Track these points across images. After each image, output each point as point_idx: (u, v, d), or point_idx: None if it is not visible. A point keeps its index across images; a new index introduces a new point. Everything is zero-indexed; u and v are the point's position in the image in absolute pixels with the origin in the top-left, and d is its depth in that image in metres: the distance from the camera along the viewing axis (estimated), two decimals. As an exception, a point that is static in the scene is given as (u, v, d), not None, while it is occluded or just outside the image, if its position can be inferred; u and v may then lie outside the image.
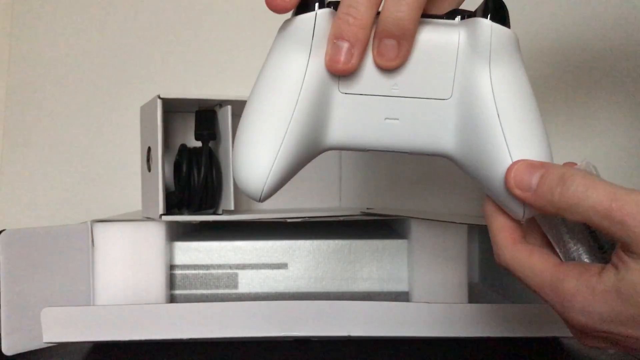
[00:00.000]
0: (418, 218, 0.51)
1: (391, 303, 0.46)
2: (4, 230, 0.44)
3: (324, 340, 0.47)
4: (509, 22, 0.30)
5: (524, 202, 0.29)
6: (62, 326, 0.45)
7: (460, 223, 0.49)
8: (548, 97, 0.81)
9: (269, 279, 0.54)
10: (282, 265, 0.54)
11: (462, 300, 0.52)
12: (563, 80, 0.81)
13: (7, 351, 0.44)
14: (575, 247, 0.30)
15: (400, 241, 0.54)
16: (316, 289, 0.54)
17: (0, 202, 0.81)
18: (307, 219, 0.53)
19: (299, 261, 0.54)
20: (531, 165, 0.29)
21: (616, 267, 0.27)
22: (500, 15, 0.30)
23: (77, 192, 0.82)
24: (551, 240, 0.31)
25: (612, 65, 0.80)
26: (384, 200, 0.60)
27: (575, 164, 0.31)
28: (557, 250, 0.31)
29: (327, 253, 0.54)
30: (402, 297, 0.54)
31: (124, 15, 0.84)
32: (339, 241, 0.54)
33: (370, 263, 0.54)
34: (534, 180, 0.29)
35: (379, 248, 0.54)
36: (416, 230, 0.53)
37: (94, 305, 0.50)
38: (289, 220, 0.52)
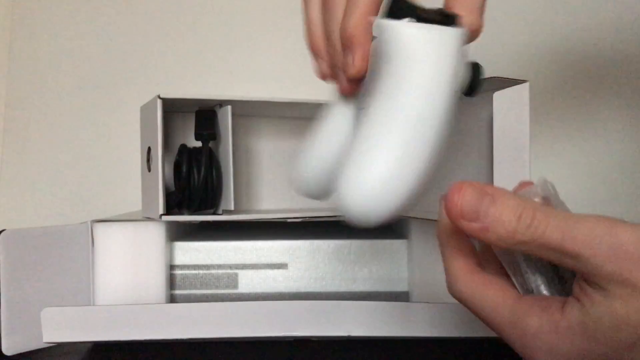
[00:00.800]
0: (418, 218, 0.51)
1: (391, 303, 0.46)
2: (4, 230, 0.44)
3: (324, 340, 0.47)
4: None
5: (470, 235, 0.26)
6: (62, 326, 0.45)
7: (460, 223, 0.49)
8: (560, 100, 0.81)
9: (269, 279, 0.54)
10: (282, 265, 0.54)
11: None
12: (575, 85, 0.81)
13: (7, 351, 0.44)
14: (533, 278, 0.27)
15: (400, 241, 0.54)
16: (316, 289, 0.54)
17: (0, 202, 0.81)
18: (307, 219, 0.53)
19: (299, 261, 0.54)
20: (478, 191, 0.26)
21: (580, 301, 0.25)
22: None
23: (77, 192, 0.82)
24: (507, 268, 0.28)
25: (626, 68, 0.80)
26: (384, 200, 0.60)
27: (532, 183, 0.29)
28: (513, 280, 0.28)
29: (327, 253, 0.54)
30: (402, 297, 0.54)
31: (124, 15, 0.84)
32: (339, 241, 0.54)
33: (370, 263, 0.54)
34: (483, 209, 0.25)
35: (379, 248, 0.54)
36: (416, 230, 0.53)
37: (93, 305, 0.50)
38: (289, 220, 0.52)
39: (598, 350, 0.24)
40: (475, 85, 0.30)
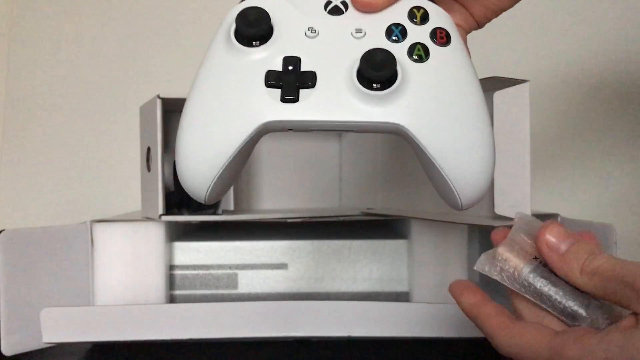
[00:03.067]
0: (418, 218, 0.51)
1: (391, 303, 0.46)
2: (3, 230, 0.44)
3: (324, 341, 0.47)
4: None
5: (546, 260, 0.30)
6: (61, 326, 0.45)
7: (460, 223, 0.49)
8: (560, 100, 0.81)
9: (269, 279, 0.54)
10: (282, 266, 0.54)
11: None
12: (575, 85, 0.81)
13: (7, 351, 0.44)
14: (569, 304, 0.30)
15: (400, 241, 0.54)
16: (316, 289, 0.54)
17: (0, 202, 0.81)
18: (307, 219, 0.53)
19: (299, 261, 0.54)
20: (565, 232, 0.31)
21: (621, 329, 0.27)
22: None
23: (77, 192, 0.82)
24: (543, 305, 0.31)
25: (626, 69, 0.80)
26: (384, 200, 0.60)
27: (589, 233, 0.33)
28: (551, 311, 0.31)
29: (327, 253, 0.54)
30: (402, 297, 0.54)
31: (124, 15, 0.84)
32: (339, 241, 0.54)
33: (370, 263, 0.54)
34: (564, 246, 0.30)
35: (379, 248, 0.54)
36: (416, 230, 0.53)
37: (93, 305, 0.50)
38: (289, 220, 0.52)
39: None
40: None
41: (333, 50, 0.28)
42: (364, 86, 0.27)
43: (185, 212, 0.53)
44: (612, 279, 0.28)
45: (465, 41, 0.36)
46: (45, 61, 0.83)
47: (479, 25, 0.38)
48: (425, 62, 0.28)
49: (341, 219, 0.55)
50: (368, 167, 0.61)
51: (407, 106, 0.27)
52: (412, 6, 0.30)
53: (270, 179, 0.63)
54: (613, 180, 0.80)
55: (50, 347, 0.47)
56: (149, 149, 0.52)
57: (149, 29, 0.84)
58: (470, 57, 0.31)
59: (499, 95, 0.43)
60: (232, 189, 0.52)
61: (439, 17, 0.30)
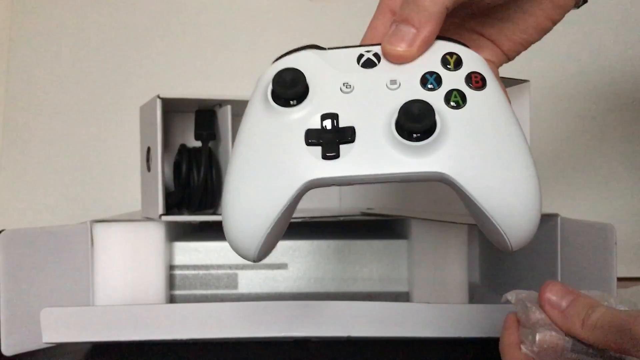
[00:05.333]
0: (418, 218, 0.51)
1: (391, 303, 0.46)
2: (3, 230, 0.44)
3: (324, 341, 0.47)
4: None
5: (549, 317, 0.32)
6: (61, 326, 0.45)
7: (460, 223, 0.49)
8: (561, 100, 0.81)
9: (269, 279, 0.54)
10: (282, 266, 0.54)
11: (462, 300, 0.52)
12: (575, 85, 0.81)
13: (7, 351, 0.44)
14: None
15: (400, 241, 0.54)
16: (316, 289, 0.54)
17: (0, 202, 0.81)
18: (307, 219, 0.53)
19: (299, 261, 0.54)
20: (564, 289, 0.32)
21: None
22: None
23: (77, 192, 0.82)
24: None
25: (626, 69, 0.80)
26: (384, 200, 0.60)
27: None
28: None
29: (327, 253, 0.54)
30: (402, 297, 0.54)
31: (124, 15, 0.84)
32: (339, 241, 0.54)
33: (370, 263, 0.54)
34: (564, 302, 0.32)
35: (379, 248, 0.54)
36: (416, 230, 0.53)
37: (93, 305, 0.50)
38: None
39: None
40: None
41: (369, 104, 0.28)
42: (404, 138, 0.27)
43: (185, 212, 0.53)
44: (611, 330, 0.29)
45: (498, 76, 0.36)
46: (45, 61, 0.83)
47: (509, 58, 0.38)
48: (463, 108, 0.28)
49: (341, 219, 0.55)
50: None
51: (449, 154, 0.27)
52: (445, 52, 0.30)
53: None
54: (613, 180, 0.80)
55: (50, 347, 0.47)
56: (149, 149, 0.52)
57: (149, 29, 0.84)
58: (507, 97, 0.31)
59: (499, 95, 0.43)
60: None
61: (472, 61, 0.30)
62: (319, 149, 0.28)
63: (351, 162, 0.27)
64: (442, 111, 0.28)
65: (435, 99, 0.28)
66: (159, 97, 0.49)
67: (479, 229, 0.61)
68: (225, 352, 0.46)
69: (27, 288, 0.46)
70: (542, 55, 0.79)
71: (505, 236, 0.29)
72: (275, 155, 0.28)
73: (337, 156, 0.27)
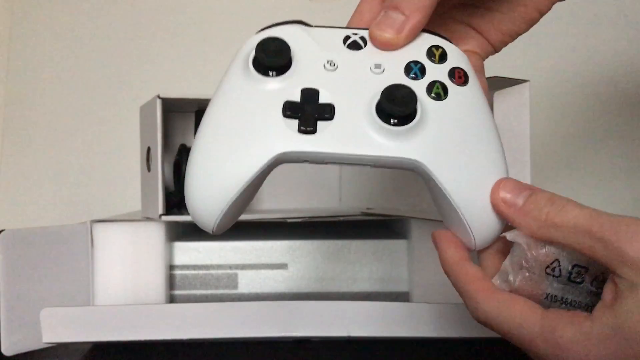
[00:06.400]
0: (418, 218, 0.51)
1: (391, 303, 0.46)
2: (3, 230, 0.44)
3: (324, 341, 0.47)
4: None
5: (506, 218, 0.29)
6: (61, 326, 0.45)
7: (460, 223, 0.49)
8: (561, 100, 0.81)
9: (269, 279, 0.54)
10: (282, 266, 0.54)
11: (462, 300, 0.52)
12: (576, 85, 0.81)
13: (7, 351, 0.44)
14: (559, 289, 0.29)
15: (400, 241, 0.54)
16: (316, 289, 0.54)
17: (0, 202, 0.81)
18: (307, 219, 0.53)
19: (299, 261, 0.54)
20: (519, 185, 0.29)
21: (608, 303, 0.25)
22: None
23: (77, 192, 0.82)
24: (530, 283, 0.29)
25: (627, 69, 0.80)
26: (384, 200, 0.60)
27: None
28: (537, 293, 0.29)
29: (327, 253, 0.54)
30: (402, 297, 0.54)
31: (124, 15, 0.84)
32: (339, 241, 0.54)
33: (370, 263, 0.54)
34: (520, 199, 0.28)
35: (379, 248, 0.54)
36: (416, 230, 0.53)
37: (93, 305, 0.50)
38: (289, 220, 0.52)
39: (632, 350, 0.24)
40: None
41: (352, 85, 0.28)
42: (383, 121, 0.27)
43: (185, 212, 0.53)
44: (587, 235, 0.26)
45: (483, 68, 0.37)
46: (45, 61, 0.83)
47: (496, 49, 0.38)
48: (444, 101, 0.28)
49: (341, 219, 0.55)
50: (368, 167, 0.61)
51: (425, 143, 0.27)
52: (430, 45, 0.30)
53: (270, 179, 0.63)
54: (613, 180, 0.80)
55: (50, 347, 0.47)
56: (149, 149, 0.52)
57: (149, 28, 0.84)
58: (486, 97, 0.31)
59: (499, 95, 0.43)
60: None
61: (456, 57, 0.30)
62: (295, 122, 0.27)
63: (327, 139, 0.27)
64: (423, 101, 0.28)
65: (418, 88, 0.28)
66: (159, 97, 0.49)
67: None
68: (225, 352, 0.46)
69: (27, 288, 0.46)
70: (542, 55, 0.79)
71: (470, 233, 0.29)
72: (248, 123, 0.27)
73: (313, 131, 0.27)
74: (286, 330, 0.45)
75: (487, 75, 0.43)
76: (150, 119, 0.51)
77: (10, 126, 0.83)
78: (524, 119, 0.42)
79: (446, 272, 0.31)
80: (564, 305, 0.29)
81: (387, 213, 0.55)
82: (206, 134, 0.28)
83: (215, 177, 0.27)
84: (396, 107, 0.27)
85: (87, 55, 0.83)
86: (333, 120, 0.27)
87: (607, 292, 0.26)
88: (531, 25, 0.37)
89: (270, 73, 0.28)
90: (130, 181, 0.79)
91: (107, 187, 0.82)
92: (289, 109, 0.27)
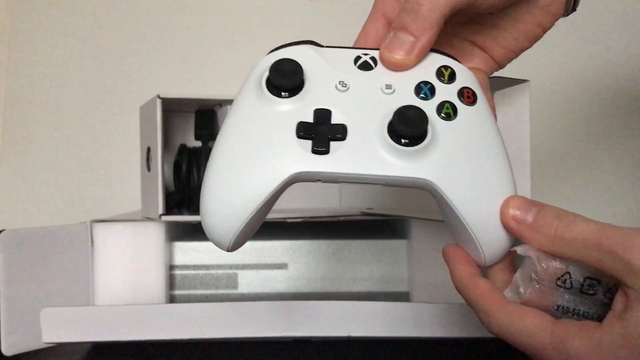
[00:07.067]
0: (418, 218, 0.51)
1: (391, 303, 0.46)
2: (3, 230, 0.44)
3: (324, 341, 0.47)
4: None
5: (516, 235, 0.29)
6: (61, 326, 0.45)
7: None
8: (560, 100, 0.81)
9: (269, 279, 0.54)
10: (282, 266, 0.54)
11: (462, 301, 0.52)
12: (575, 85, 0.81)
13: (7, 351, 0.44)
14: (569, 301, 0.29)
15: (400, 241, 0.54)
16: (316, 289, 0.54)
17: (0, 202, 0.81)
18: (307, 219, 0.53)
19: (299, 261, 0.54)
20: (528, 202, 0.29)
21: (618, 313, 0.26)
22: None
23: (77, 192, 0.82)
24: (540, 295, 0.30)
25: (625, 70, 0.80)
26: (384, 200, 0.60)
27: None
28: (548, 305, 0.30)
29: (327, 253, 0.54)
30: (402, 297, 0.54)
31: (124, 15, 0.84)
32: (339, 241, 0.54)
33: (370, 263, 0.54)
34: (530, 215, 0.29)
35: (379, 248, 0.54)
36: (416, 230, 0.53)
37: (93, 305, 0.50)
38: (289, 220, 0.52)
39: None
40: None
41: (363, 105, 0.29)
42: (395, 141, 0.27)
43: (185, 212, 0.53)
44: (596, 248, 0.26)
45: (488, 85, 0.37)
46: (45, 61, 0.83)
47: (500, 66, 0.39)
48: (454, 121, 0.29)
49: (341, 219, 0.55)
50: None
51: (437, 163, 0.28)
52: (439, 65, 0.30)
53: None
54: (613, 180, 0.80)
55: (50, 347, 0.47)
56: (149, 149, 0.52)
57: (149, 28, 0.84)
58: (494, 116, 0.32)
59: (499, 96, 0.43)
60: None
61: (465, 77, 0.31)
62: (309, 142, 0.28)
63: (340, 159, 0.27)
64: (433, 121, 0.28)
65: (428, 108, 0.28)
66: (159, 97, 0.49)
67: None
68: (225, 352, 0.46)
69: (27, 288, 0.46)
70: (542, 55, 0.79)
71: (480, 250, 0.29)
72: (263, 143, 0.28)
73: (327, 152, 0.27)
74: (286, 330, 0.45)
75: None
76: (150, 119, 0.51)
77: (10, 126, 0.83)
78: (524, 119, 0.42)
79: (457, 288, 0.31)
80: (575, 316, 0.29)
81: (387, 213, 0.55)
82: (221, 154, 0.29)
83: (230, 198, 0.28)
84: (408, 128, 0.27)
85: (87, 55, 0.83)
86: (346, 141, 0.28)
87: (618, 302, 0.26)
88: (534, 42, 0.38)
89: (284, 94, 0.29)
90: (130, 181, 0.79)
91: (107, 187, 0.82)
92: (303, 130, 0.28)
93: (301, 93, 0.29)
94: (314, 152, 0.27)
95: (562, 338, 0.27)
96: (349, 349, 0.47)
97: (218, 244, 0.29)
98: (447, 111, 0.29)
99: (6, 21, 0.84)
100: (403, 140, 0.27)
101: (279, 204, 0.65)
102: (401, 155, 0.28)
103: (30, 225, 0.48)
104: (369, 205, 0.61)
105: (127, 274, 0.51)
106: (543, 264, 0.29)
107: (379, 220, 0.59)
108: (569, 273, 0.29)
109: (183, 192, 0.52)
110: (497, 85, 0.43)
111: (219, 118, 0.54)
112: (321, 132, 0.28)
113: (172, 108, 0.55)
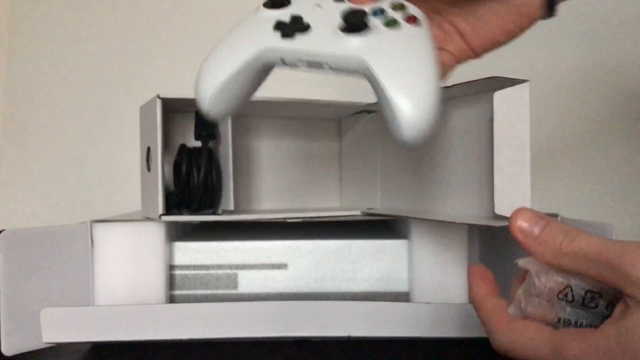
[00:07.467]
0: (418, 218, 0.51)
1: (391, 303, 0.46)
2: (3, 230, 0.44)
3: (324, 341, 0.47)
4: None
5: (522, 246, 0.32)
6: (61, 326, 0.45)
7: (460, 223, 0.49)
8: (560, 100, 0.81)
9: (269, 279, 0.54)
10: (282, 266, 0.54)
11: (462, 300, 0.52)
12: (575, 85, 0.81)
13: (7, 351, 0.44)
14: (570, 314, 0.31)
15: (400, 241, 0.54)
16: (316, 289, 0.54)
17: (0, 202, 0.81)
18: (307, 219, 0.53)
19: (299, 261, 0.54)
20: (536, 215, 0.32)
21: (616, 319, 0.27)
22: None
23: (77, 192, 0.82)
24: (543, 308, 0.31)
25: (626, 68, 0.80)
26: (384, 200, 0.60)
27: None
28: (550, 319, 0.31)
29: (327, 253, 0.54)
30: (402, 297, 0.54)
31: (124, 15, 0.84)
32: (339, 241, 0.54)
33: (370, 263, 0.54)
34: (537, 228, 0.31)
35: (379, 248, 0.54)
36: (416, 230, 0.53)
37: (93, 305, 0.50)
38: (289, 220, 0.52)
39: None
40: None
41: (329, 15, 0.36)
42: (342, 31, 0.35)
43: (185, 212, 0.53)
44: (597, 261, 0.28)
45: (452, 68, 0.41)
46: (45, 61, 0.83)
47: (477, 54, 0.41)
48: (395, 30, 0.35)
49: (341, 219, 0.55)
50: (368, 167, 0.61)
51: (371, 48, 0.34)
52: (397, 2, 0.37)
53: (270, 179, 0.63)
54: (613, 180, 0.80)
55: (50, 347, 0.47)
56: (149, 149, 0.52)
57: (149, 29, 0.84)
58: (436, 49, 0.36)
59: (499, 95, 0.43)
60: (232, 189, 0.52)
61: (416, 11, 0.37)
62: (279, 32, 0.35)
63: (301, 42, 0.35)
64: (378, 26, 0.35)
65: (377, 20, 0.36)
66: (159, 97, 0.49)
67: (478, 229, 0.61)
68: (225, 352, 0.46)
69: (27, 288, 0.46)
70: (542, 55, 0.79)
71: (398, 121, 0.33)
72: (246, 29, 0.36)
73: (291, 38, 0.35)
74: (286, 330, 0.45)
75: (487, 75, 0.43)
76: (150, 119, 0.51)
77: (10, 126, 0.83)
78: (524, 119, 0.42)
79: (474, 306, 0.34)
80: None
81: (387, 213, 0.55)
82: (217, 41, 0.37)
83: (212, 64, 0.36)
84: (351, 18, 0.35)
85: (87, 55, 0.83)
86: (308, 32, 0.35)
87: (617, 310, 0.28)
88: (511, 38, 0.40)
89: (273, 6, 0.37)
90: (130, 181, 0.79)
91: (107, 187, 0.82)
92: (278, 25, 0.35)
93: (286, 7, 0.37)
94: (282, 37, 0.35)
95: (560, 346, 0.28)
96: (349, 349, 0.47)
97: (200, 104, 0.35)
98: (391, 24, 0.36)
99: (6, 21, 0.84)
100: (348, 30, 0.35)
101: (279, 204, 0.66)
102: (345, 41, 0.34)
103: (30, 225, 0.48)
104: (369, 205, 0.61)
105: (127, 274, 0.51)
106: (542, 279, 0.31)
107: (379, 220, 0.59)
108: (570, 287, 0.30)
109: (183, 192, 0.52)
110: (497, 85, 0.43)
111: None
112: (291, 26, 0.36)
113: (172, 108, 0.55)
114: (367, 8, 0.36)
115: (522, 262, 0.32)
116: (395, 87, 0.33)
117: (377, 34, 0.35)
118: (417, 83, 0.34)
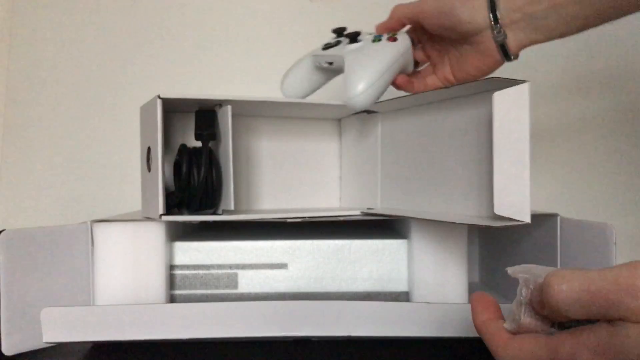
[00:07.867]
0: (418, 218, 0.51)
1: (391, 303, 0.46)
2: (4, 230, 0.44)
3: (324, 340, 0.47)
4: None
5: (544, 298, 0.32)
6: (61, 326, 0.45)
7: (460, 223, 0.49)
8: (560, 100, 0.81)
9: (269, 279, 0.54)
10: (282, 265, 0.54)
11: (462, 300, 0.52)
12: (575, 85, 0.81)
13: (7, 351, 0.44)
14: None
15: (400, 241, 0.54)
16: (316, 289, 0.54)
17: (0, 202, 0.81)
18: (307, 219, 0.53)
19: (299, 261, 0.54)
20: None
21: (610, 323, 0.28)
22: None
23: (77, 192, 0.82)
24: (539, 327, 0.32)
25: (625, 69, 0.80)
26: (384, 200, 0.60)
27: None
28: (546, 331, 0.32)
29: (327, 253, 0.54)
30: (402, 297, 0.54)
31: (124, 15, 0.84)
32: (339, 241, 0.54)
33: (370, 263, 0.54)
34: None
35: (379, 248, 0.54)
36: (416, 230, 0.53)
37: (93, 305, 0.50)
38: (289, 220, 0.52)
39: None
40: None
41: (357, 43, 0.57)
42: (347, 44, 0.56)
43: (186, 212, 0.53)
44: (594, 302, 0.28)
45: (433, 88, 0.54)
46: (45, 61, 0.83)
47: (457, 81, 0.55)
48: (376, 42, 0.54)
49: (341, 219, 0.55)
50: (368, 167, 0.61)
51: (354, 50, 0.54)
52: (392, 34, 0.56)
53: (270, 179, 0.63)
54: (613, 179, 0.80)
55: (50, 347, 0.47)
56: (149, 149, 0.52)
57: (149, 29, 0.84)
58: (412, 58, 0.57)
59: (499, 95, 0.43)
60: (232, 189, 0.52)
61: (401, 36, 0.55)
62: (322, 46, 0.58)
63: (329, 51, 0.57)
64: (367, 41, 0.55)
65: (369, 38, 0.55)
66: (159, 97, 0.49)
67: (478, 229, 0.61)
68: (225, 352, 0.46)
69: (27, 288, 0.46)
70: (542, 55, 0.79)
71: (347, 91, 0.52)
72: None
73: (327, 49, 0.57)
74: (286, 330, 0.45)
75: (487, 75, 0.43)
76: (151, 119, 0.51)
77: (11, 126, 0.83)
78: (524, 119, 0.42)
79: (478, 330, 0.35)
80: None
81: (387, 213, 0.56)
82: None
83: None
84: (350, 35, 0.56)
85: (87, 55, 0.83)
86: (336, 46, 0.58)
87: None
88: (483, 74, 0.53)
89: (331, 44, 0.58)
90: (130, 181, 0.79)
91: (107, 187, 0.82)
92: (324, 45, 0.58)
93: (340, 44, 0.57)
94: (323, 49, 0.57)
95: (555, 349, 0.29)
96: (349, 349, 0.47)
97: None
98: (375, 39, 0.55)
99: (6, 21, 0.84)
100: (349, 42, 0.56)
101: (279, 204, 0.66)
102: (346, 48, 0.55)
103: (30, 225, 0.48)
104: (369, 205, 0.61)
105: (127, 274, 0.51)
106: (531, 286, 0.31)
107: (379, 220, 0.59)
108: None
109: (183, 192, 0.52)
110: (497, 85, 0.43)
111: (219, 118, 0.54)
112: (330, 43, 0.57)
113: (172, 108, 0.55)
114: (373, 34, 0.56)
115: (511, 271, 0.32)
116: (352, 70, 0.52)
117: (363, 44, 0.55)
118: (366, 70, 0.52)
